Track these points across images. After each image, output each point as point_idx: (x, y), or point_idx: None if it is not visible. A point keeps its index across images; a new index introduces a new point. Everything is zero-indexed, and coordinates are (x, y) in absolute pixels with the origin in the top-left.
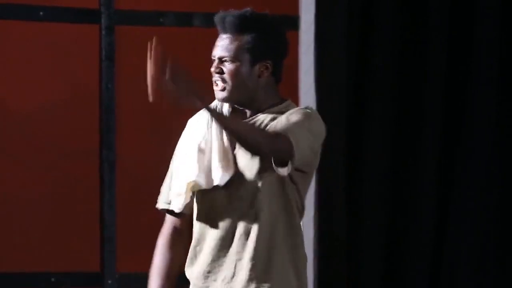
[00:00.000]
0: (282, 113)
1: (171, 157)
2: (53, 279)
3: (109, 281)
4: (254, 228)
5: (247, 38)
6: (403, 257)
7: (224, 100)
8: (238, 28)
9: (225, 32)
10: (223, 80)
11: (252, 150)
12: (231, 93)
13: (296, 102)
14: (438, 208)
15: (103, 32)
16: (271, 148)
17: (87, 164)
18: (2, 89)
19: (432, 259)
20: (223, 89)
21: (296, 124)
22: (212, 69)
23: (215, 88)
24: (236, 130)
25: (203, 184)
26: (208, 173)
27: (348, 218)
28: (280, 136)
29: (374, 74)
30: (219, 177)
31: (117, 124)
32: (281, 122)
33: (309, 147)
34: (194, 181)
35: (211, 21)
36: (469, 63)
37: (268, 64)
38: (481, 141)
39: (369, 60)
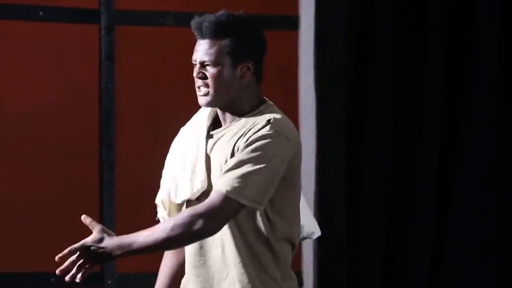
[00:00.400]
0: (259, 114)
1: None
2: (53, 279)
3: (109, 281)
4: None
5: (225, 41)
6: (403, 257)
7: (207, 104)
8: (216, 33)
9: (203, 37)
10: (206, 85)
11: (184, 245)
12: (215, 97)
13: (296, 102)
14: (438, 208)
15: (103, 32)
16: (197, 232)
17: (87, 164)
18: (2, 89)
19: (432, 259)
20: (206, 94)
21: (240, 168)
22: (194, 74)
23: (198, 93)
24: (155, 246)
25: (173, 198)
26: (180, 186)
27: (348, 218)
28: (199, 211)
29: (373, 74)
30: (188, 191)
31: (117, 124)
32: (229, 164)
33: (263, 182)
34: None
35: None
36: (469, 63)
37: (249, 65)
38: (481, 141)
39: (369, 60)
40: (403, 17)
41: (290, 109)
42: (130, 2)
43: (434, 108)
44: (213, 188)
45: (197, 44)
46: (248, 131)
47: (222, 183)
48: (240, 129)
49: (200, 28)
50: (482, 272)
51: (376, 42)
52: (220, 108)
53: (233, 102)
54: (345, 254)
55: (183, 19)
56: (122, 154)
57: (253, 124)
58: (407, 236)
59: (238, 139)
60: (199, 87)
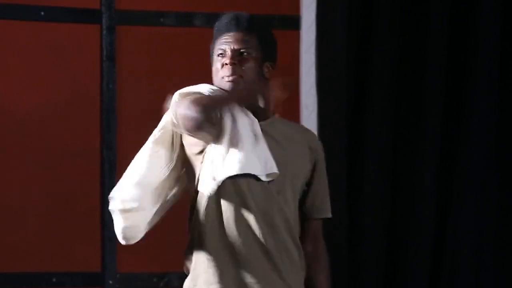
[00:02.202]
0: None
1: None
2: (54, 279)
3: (110, 281)
4: None
5: (258, 37)
6: (403, 257)
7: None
8: (252, 27)
9: (238, 29)
10: (238, 73)
11: None
12: (245, 85)
13: (297, 102)
14: (438, 208)
15: (104, 32)
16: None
17: (88, 164)
18: (2, 89)
19: (432, 259)
20: (237, 82)
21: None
22: (227, 61)
23: (227, 80)
24: None
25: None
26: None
27: (348, 217)
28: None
29: (375, 74)
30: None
31: (118, 124)
32: (322, 187)
33: None
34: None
35: (211, 21)
36: (470, 62)
37: (271, 66)
38: (482, 141)
39: (370, 60)
40: (404, 16)
41: (292, 109)
42: (131, 2)
43: (435, 108)
44: (322, 216)
45: (226, 36)
46: (318, 147)
47: (328, 211)
48: (301, 137)
49: (236, 19)
50: (483, 272)
51: (377, 41)
52: (248, 101)
53: (258, 98)
54: (345, 254)
55: (185, 19)
56: (123, 154)
57: (314, 139)
58: (407, 236)
59: (309, 148)
60: (229, 75)
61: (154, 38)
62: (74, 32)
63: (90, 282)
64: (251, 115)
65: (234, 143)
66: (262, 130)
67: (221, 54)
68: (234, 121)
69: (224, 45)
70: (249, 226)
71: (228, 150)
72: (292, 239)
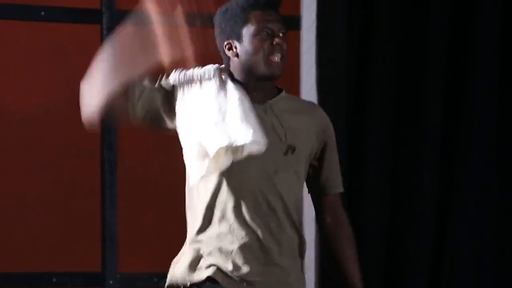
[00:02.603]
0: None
1: (171, 158)
2: (54, 279)
3: (110, 281)
4: None
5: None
6: (403, 257)
7: (281, 74)
8: (280, 4)
9: (274, 7)
10: (284, 54)
11: None
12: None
13: None
14: (438, 208)
15: (104, 32)
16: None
17: (88, 164)
18: (2, 89)
19: (432, 259)
20: (282, 63)
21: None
22: (279, 41)
23: (276, 61)
24: None
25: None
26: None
27: (348, 217)
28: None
29: (375, 73)
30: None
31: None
32: (335, 162)
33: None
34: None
35: (211, 21)
36: (470, 62)
37: None
38: (482, 141)
39: (370, 60)
40: (404, 16)
41: None
42: (131, 2)
43: (435, 108)
44: (337, 191)
45: (266, 14)
46: (328, 124)
47: (341, 185)
48: (309, 112)
49: None
50: (483, 272)
51: (377, 41)
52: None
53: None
54: None
55: (184, 19)
56: (124, 154)
57: (323, 116)
58: (407, 235)
59: (317, 125)
60: (280, 56)
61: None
62: (74, 32)
63: (90, 282)
64: (241, 90)
65: (223, 112)
66: (269, 107)
67: (268, 33)
68: (224, 91)
69: (271, 24)
70: (242, 207)
71: (218, 120)
72: (290, 224)
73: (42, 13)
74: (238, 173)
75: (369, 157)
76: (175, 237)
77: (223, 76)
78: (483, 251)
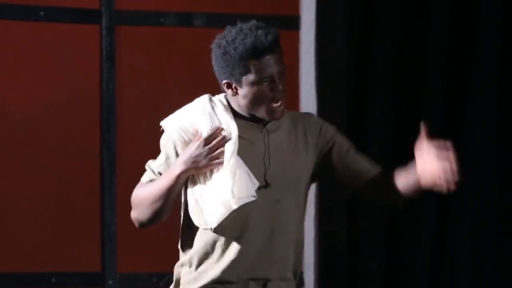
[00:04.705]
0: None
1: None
2: (53, 279)
3: (110, 281)
4: None
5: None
6: (403, 257)
7: (281, 118)
8: (279, 43)
9: (272, 51)
10: (285, 92)
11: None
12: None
13: (297, 102)
14: (438, 208)
15: (104, 32)
16: None
17: (88, 164)
18: (2, 89)
19: (432, 259)
20: (284, 104)
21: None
22: (280, 87)
23: (276, 105)
24: None
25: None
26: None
27: (348, 218)
28: None
29: (374, 74)
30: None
31: (118, 124)
32: (349, 147)
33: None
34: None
35: (211, 21)
36: (470, 62)
37: None
38: (482, 141)
39: (370, 60)
40: (404, 16)
41: (291, 109)
42: (131, 2)
43: (436, 108)
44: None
45: (264, 60)
46: (321, 128)
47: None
48: (293, 129)
49: (270, 43)
50: (483, 272)
51: (377, 42)
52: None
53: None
54: (345, 254)
55: (185, 19)
56: (123, 154)
57: (316, 124)
58: (407, 235)
59: (303, 135)
60: (280, 99)
61: (154, 38)
62: (74, 32)
63: (90, 282)
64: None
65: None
66: (268, 133)
67: (268, 80)
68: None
69: (271, 69)
70: (245, 236)
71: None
72: (289, 251)
73: (42, 13)
74: (239, 217)
75: (369, 157)
76: (175, 237)
77: (215, 109)
78: (483, 251)
